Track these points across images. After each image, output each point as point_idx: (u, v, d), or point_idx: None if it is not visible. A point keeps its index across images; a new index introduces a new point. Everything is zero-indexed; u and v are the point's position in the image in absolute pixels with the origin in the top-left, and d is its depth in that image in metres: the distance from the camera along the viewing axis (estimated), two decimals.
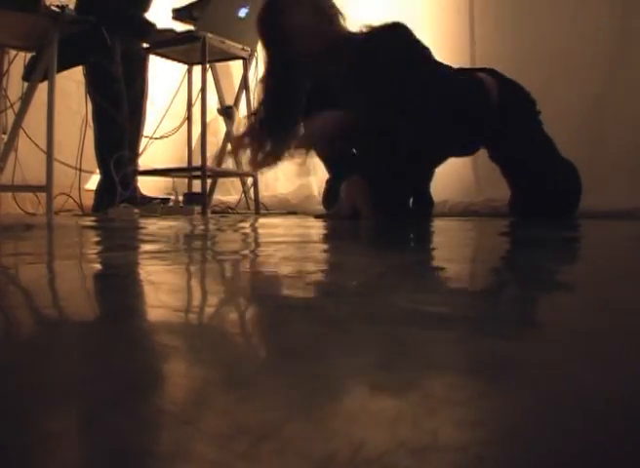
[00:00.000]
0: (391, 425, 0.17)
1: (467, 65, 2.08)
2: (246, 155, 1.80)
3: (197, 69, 2.77)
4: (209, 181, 2.78)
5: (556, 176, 1.68)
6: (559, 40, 2.19)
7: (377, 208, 1.61)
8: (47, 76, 2.06)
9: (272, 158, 1.76)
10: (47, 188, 2.01)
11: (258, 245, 0.96)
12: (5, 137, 2.19)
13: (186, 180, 3.05)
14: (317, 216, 1.90)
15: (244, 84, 2.88)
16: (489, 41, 2.38)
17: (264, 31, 1.69)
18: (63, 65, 2.20)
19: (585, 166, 1.74)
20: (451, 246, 0.94)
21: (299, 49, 1.63)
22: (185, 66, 2.95)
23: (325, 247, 0.94)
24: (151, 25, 2.59)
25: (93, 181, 2.81)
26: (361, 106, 1.64)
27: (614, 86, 2.09)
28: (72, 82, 2.74)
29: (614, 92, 2.09)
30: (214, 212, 2.91)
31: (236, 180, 3.18)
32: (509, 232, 1.30)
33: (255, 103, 1.86)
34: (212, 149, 2.85)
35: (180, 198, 2.72)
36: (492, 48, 2.33)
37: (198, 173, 2.65)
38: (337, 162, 1.86)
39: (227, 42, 2.62)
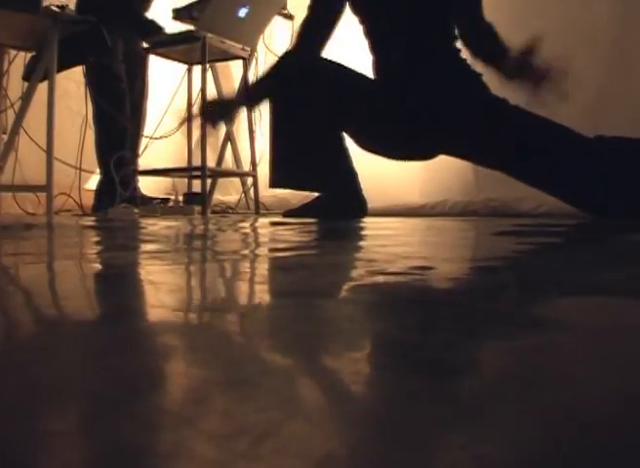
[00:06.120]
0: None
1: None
2: None
3: (197, 69, 2.77)
4: (209, 181, 2.78)
5: None
6: (558, 40, 2.19)
7: None
8: (47, 76, 2.06)
9: None
10: (47, 188, 2.00)
11: (258, 245, 0.96)
12: (5, 137, 2.19)
13: (186, 180, 3.05)
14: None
15: (244, 84, 2.88)
16: None
17: None
18: (64, 65, 2.20)
19: None
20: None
21: None
22: (185, 66, 2.95)
23: (324, 246, 0.94)
24: (158, 27, 2.59)
25: (93, 181, 2.80)
26: None
27: (614, 85, 2.09)
28: (72, 82, 2.74)
29: (613, 89, 2.09)
30: (214, 212, 2.91)
31: (236, 180, 3.17)
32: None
33: None
34: (212, 149, 2.85)
35: (180, 198, 2.72)
36: None
37: (198, 173, 2.65)
38: None
39: (227, 42, 2.62)
